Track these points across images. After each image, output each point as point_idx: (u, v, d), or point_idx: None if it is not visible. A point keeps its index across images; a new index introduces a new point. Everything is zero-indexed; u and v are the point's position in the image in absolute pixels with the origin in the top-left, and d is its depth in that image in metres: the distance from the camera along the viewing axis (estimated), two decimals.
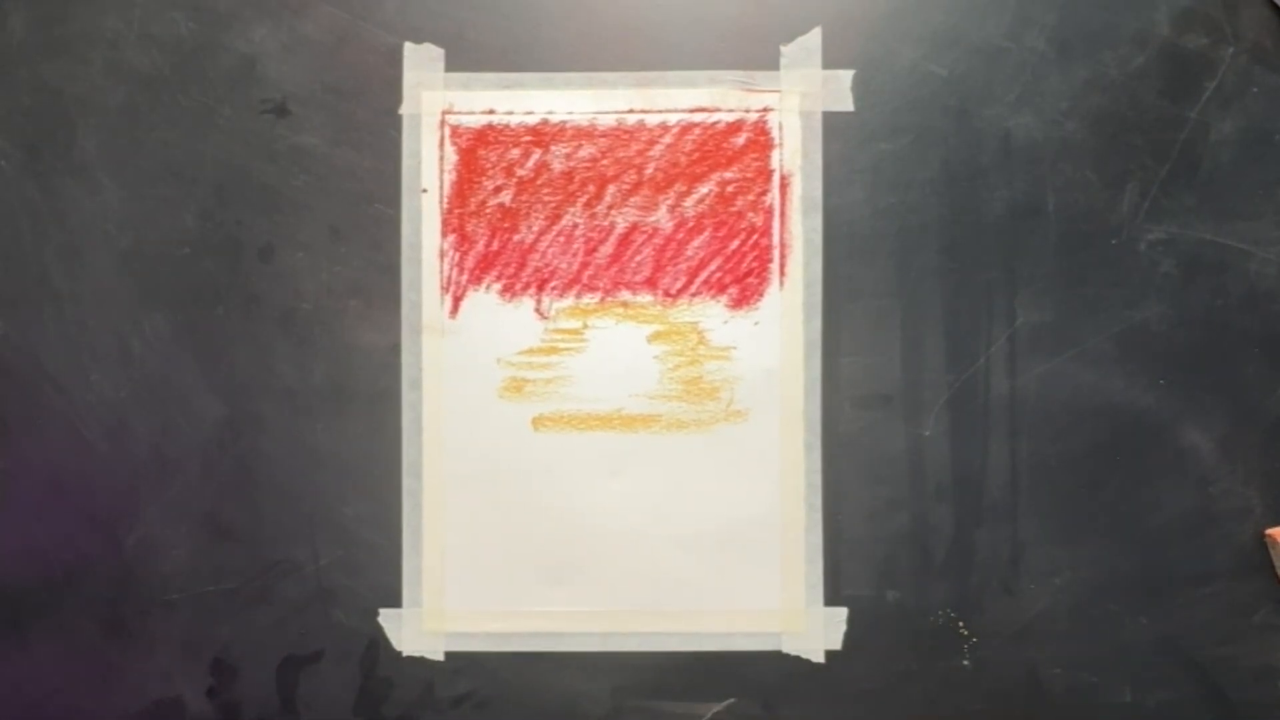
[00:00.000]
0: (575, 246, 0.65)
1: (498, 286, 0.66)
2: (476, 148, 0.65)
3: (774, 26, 0.65)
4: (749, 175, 0.65)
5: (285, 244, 0.66)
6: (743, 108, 0.65)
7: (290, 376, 0.66)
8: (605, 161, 0.65)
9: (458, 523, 0.66)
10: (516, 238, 0.66)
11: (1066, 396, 0.65)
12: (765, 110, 0.65)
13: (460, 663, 0.66)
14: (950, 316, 0.65)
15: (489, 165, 0.65)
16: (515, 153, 0.65)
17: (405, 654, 0.66)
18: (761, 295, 0.65)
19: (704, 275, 0.65)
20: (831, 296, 0.65)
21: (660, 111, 0.65)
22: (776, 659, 0.66)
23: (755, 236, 0.65)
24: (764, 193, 0.65)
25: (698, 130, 0.65)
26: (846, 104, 0.65)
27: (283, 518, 0.66)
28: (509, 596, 0.66)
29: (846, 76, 0.65)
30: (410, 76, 0.65)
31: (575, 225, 0.65)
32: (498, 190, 0.66)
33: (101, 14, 0.66)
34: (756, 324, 0.65)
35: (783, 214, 0.65)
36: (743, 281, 0.65)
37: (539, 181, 0.65)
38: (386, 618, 0.66)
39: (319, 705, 0.66)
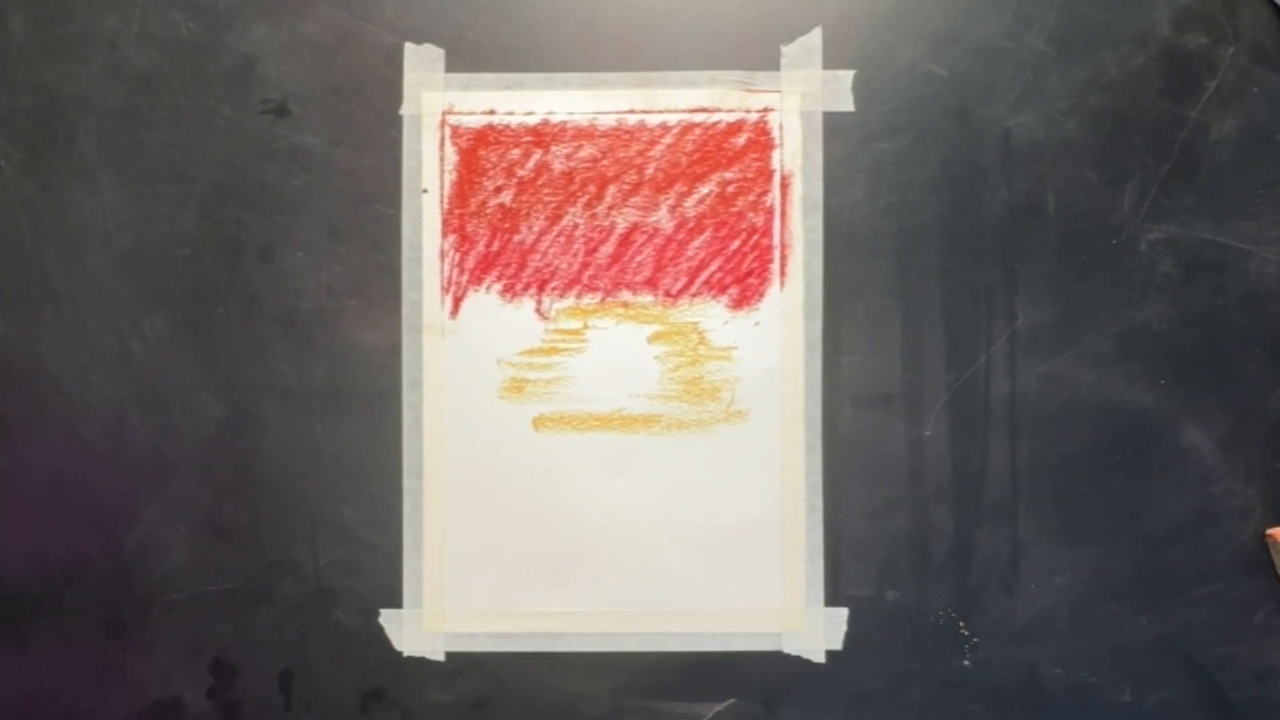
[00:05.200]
0: (576, 247, 0.65)
1: (498, 287, 0.66)
2: (477, 148, 0.65)
3: (774, 26, 0.65)
4: (749, 175, 0.65)
5: (285, 244, 0.66)
6: (743, 108, 0.65)
7: (290, 376, 0.66)
8: (606, 162, 0.65)
9: (458, 523, 0.66)
10: (517, 238, 0.66)
11: (1066, 396, 0.65)
12: (766, 110, 0.65)
13: (460, 663, 0.66)
14: (950, 316, 0.65)
15: (489, 165, 0.65)
16: (515, 153, 0.65)
17: (405, 654, 0.66)
18: (762, 295, 0.65)
19: (704, 275, 0.65)
20: (831, 296, 0.65)
21: (660, 112, 0.65)
22: (777, 659, 0.66)
23: (756, 237, 0.65)
24: (764, 193, 0.65)
25: (698, 130, 0.65)
26: (847, 104, 0.65)
27: (283, 518, 0.66)
28: (509, 596, 0.66)
29: (847, 76, 0.65)
30: (410, 77, 0.65)
31: (576, 225, 0.65)
32: (498, 190, 0.65)
33: (101, 14, 0.65)
34: (757, 324, 0.65)
35: (783, 214, 0.65)
36: (743, 282, 0.65)
37: (539, 182, 0.65)
38: (386, 618, 0.66)
39: (319, 705, 0.66)
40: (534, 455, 0.66)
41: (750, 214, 0.65)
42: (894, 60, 0.65)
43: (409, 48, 0.65)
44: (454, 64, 0.65)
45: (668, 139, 0.65)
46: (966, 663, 0.65)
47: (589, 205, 0.65)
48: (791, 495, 0.65)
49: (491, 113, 0.65)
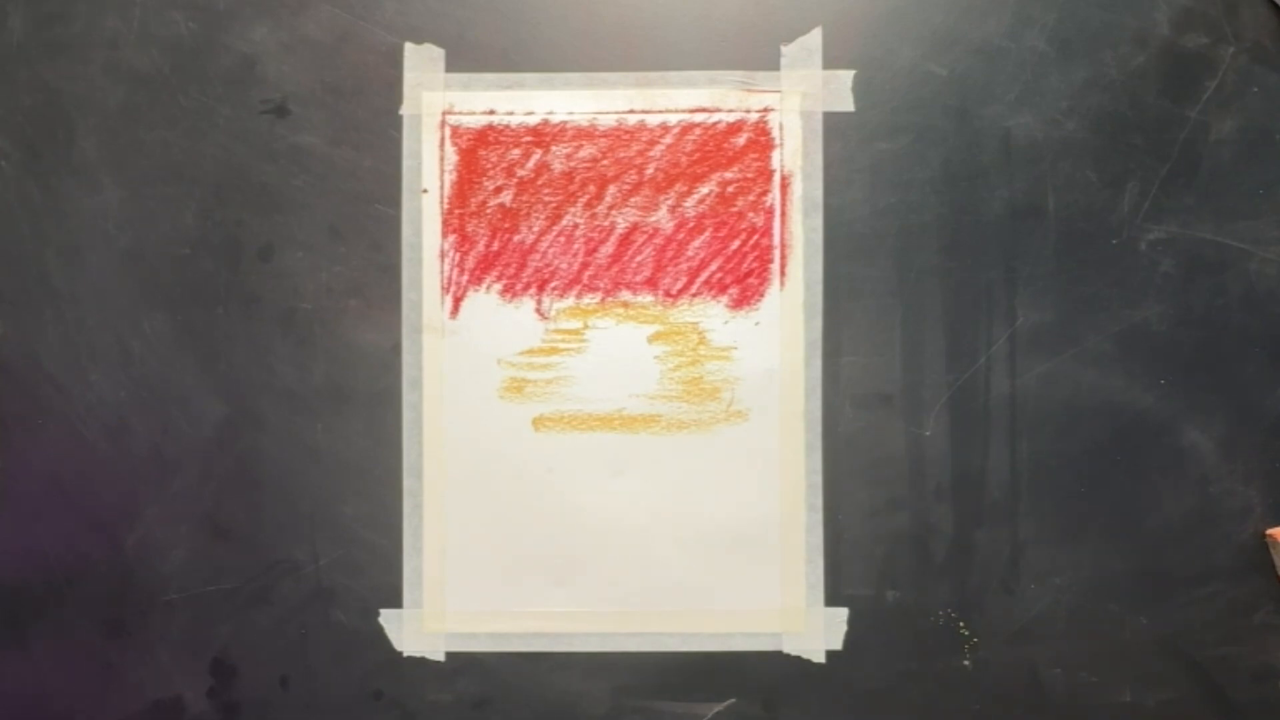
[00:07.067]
0: (576, 247, 0.65)
1: (498, 287, 0.66)
2: (477, 148, 0.65)
3: (774, 26, 0.65)
4: (749, 175, 0.65)
5: (285, 244, 0.66)
6: (743, 108, 0.65)
7: (290, 376, 0.66)
8: (606, 162, 0.65)
9: (458, 523, 0.66)
10: (517, 238, 0.66)
11: (1066, 396, 0.65)
12: (766, 110, 0.65)
13: (460, 663, 0.66)
14: (950, 316, 0.65)
15: (489, 165, 0.65)
16: (516, 153, 0.65)
17: (405, 654, 0.66)
18: (762, 295, 0.65)
19: (704, 275, 0.65)
20: (832, 296, 0.65)
21: (660, 112, 0.65)
22: (777, 659, 0.66)
23: (756, 237, 0.65)
24: (764, 193, 0.65)
25: (698, 130, 0.65)
26: (847, 104, 0.65)
27: (283, 518, 0.66)
28: (509, 596, 0.66)
29: (847, 76, 0.65)
30: (410, 76, 0.65)
31: (576, 225, 0.65)
32: (498, 190, 0.66)
33: (101, 14, 0.65)
34: (757, 324, 0.65)
35: (783, 214, 0.65)
36: (743, 282, 0.65)
37: (539, 182, 0.65)
38: (386, 618, 0.66)
39: (319, 705, 0.66)
40: (534, 455, 0.66)
41: (750, 214, 0.65)
42: (894, 60, 0.65)
43: (409, 48, 0.65)
44: (454, 64, 0.65)
45: (668, 139, 0.65)
46: (966, 663, 0.65)
47: (589, 205, 0.65)
48: (791, 495, 0.65)
49: (491, 113, 0.65)
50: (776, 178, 0.65)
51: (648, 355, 0.65)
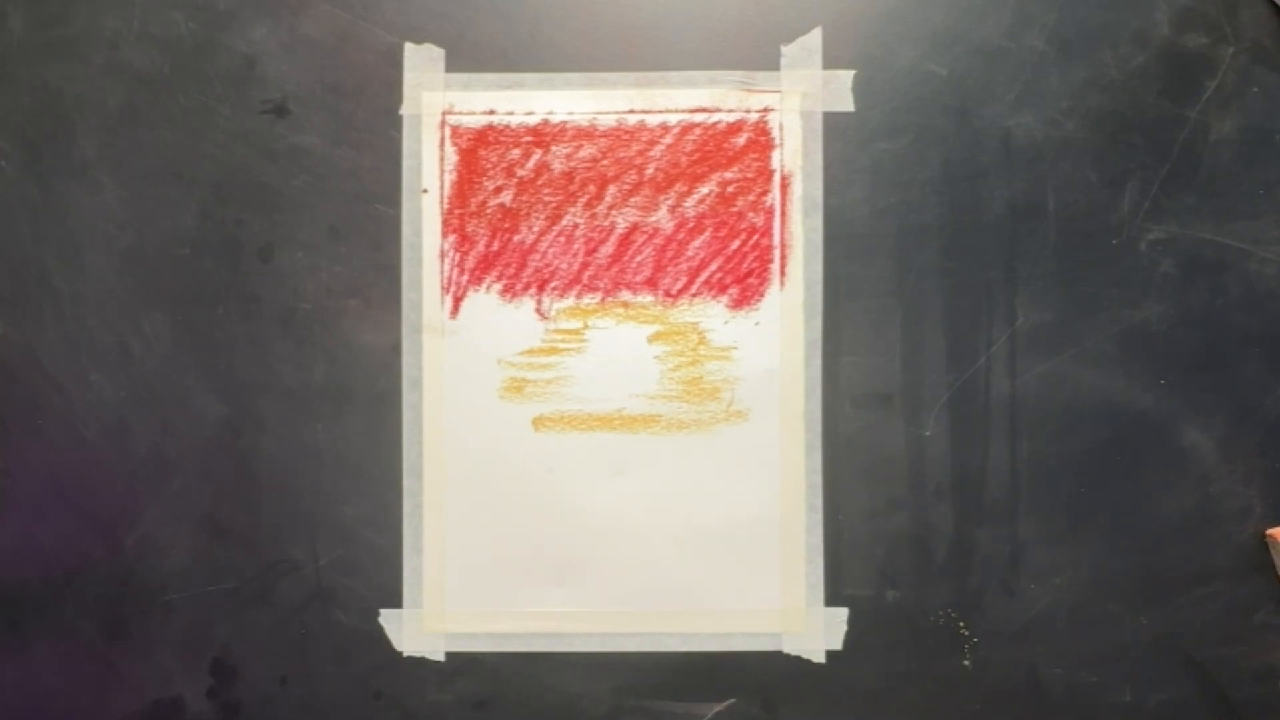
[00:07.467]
0: (576, 247, 0.65)
1: (498, 287, 0.66)
2: (477, 148, 0.65)
3: (774, 26, 0.65)
4: (749, 175, 0.65)
5: (285, 244, 0.66)
6: (743, 108, 0.65)
7: (290, 376, 0.66)
8: (606, 162, 0.65)
9: (458, 523, 0.66)
10: (517, 238, 0.66)
11: (1066, 396, 0.65)
12: (766, 110, 0.65)
13: (460, 663, 0.66)
14: (950, 316, 0.65)
15: (489, 165, 0.65)
16: (516, 153, 0.65)
17: (405, 654, 0.66)
18: (762, 295, 0.65)
19: (704, 275, 0.65)
20: (832, 296, 0.65)
21: (660, 112, 0.65)
22: (777, 659, 0.66)
23: (756, 237, 0.65)
24: (764, 193, 0.65)
25: (698, 130, 0.65)
26: (847, 104, 0.65)
27: (283, 518, 0.66)
28: (509, 597, 0.66)
29: (847, 76, 0.65)
30: (410, 76, 0.65)
31: (576, 225, 0.65)
32: (498, 190, 0.66)
33: (101, 14, 0.65)
34: (757, 324, 0.65)
35: (783, 214, 0.65)
36: (743, 282, 0.65)
37: (539, 182, 0.65)
38: (386, 618, 0.66)
39: (319, 705, 0.66)
40: (534, 455, 0.66)
41: (750, 214, 0.65)
42: (894, 60, 0.65)
43: (409, 48, 0.65)
44: (454, 64, 0.65)
45: (668, 139, 0.65)
46: (966, 663, 0.65)
47: (589, 205, 0.65)
48: (791, 495, 0.65)
49: (491, 113, 0.65)
50: (776, 178, 0.65)
51: (648, 355, 0.65)
